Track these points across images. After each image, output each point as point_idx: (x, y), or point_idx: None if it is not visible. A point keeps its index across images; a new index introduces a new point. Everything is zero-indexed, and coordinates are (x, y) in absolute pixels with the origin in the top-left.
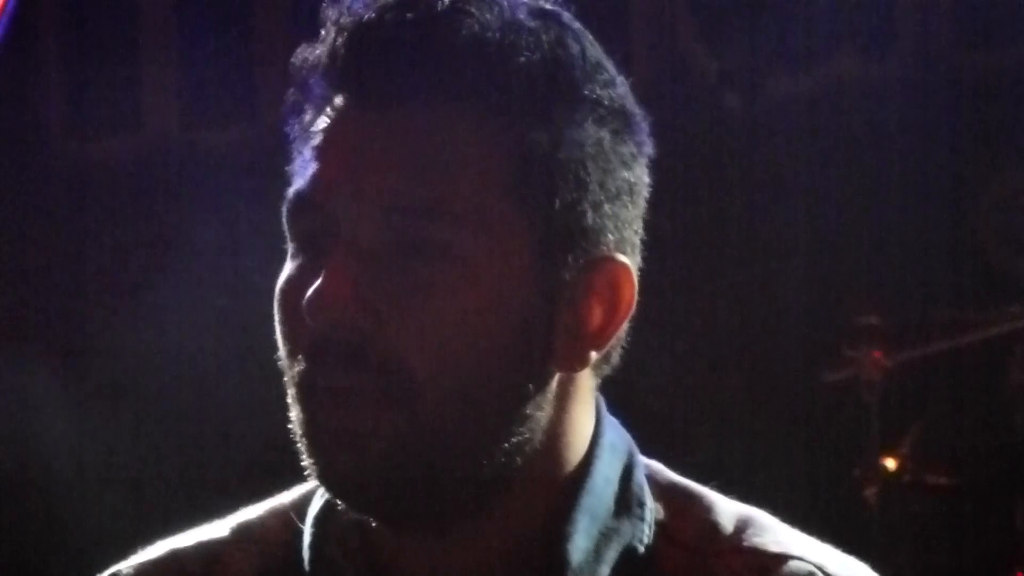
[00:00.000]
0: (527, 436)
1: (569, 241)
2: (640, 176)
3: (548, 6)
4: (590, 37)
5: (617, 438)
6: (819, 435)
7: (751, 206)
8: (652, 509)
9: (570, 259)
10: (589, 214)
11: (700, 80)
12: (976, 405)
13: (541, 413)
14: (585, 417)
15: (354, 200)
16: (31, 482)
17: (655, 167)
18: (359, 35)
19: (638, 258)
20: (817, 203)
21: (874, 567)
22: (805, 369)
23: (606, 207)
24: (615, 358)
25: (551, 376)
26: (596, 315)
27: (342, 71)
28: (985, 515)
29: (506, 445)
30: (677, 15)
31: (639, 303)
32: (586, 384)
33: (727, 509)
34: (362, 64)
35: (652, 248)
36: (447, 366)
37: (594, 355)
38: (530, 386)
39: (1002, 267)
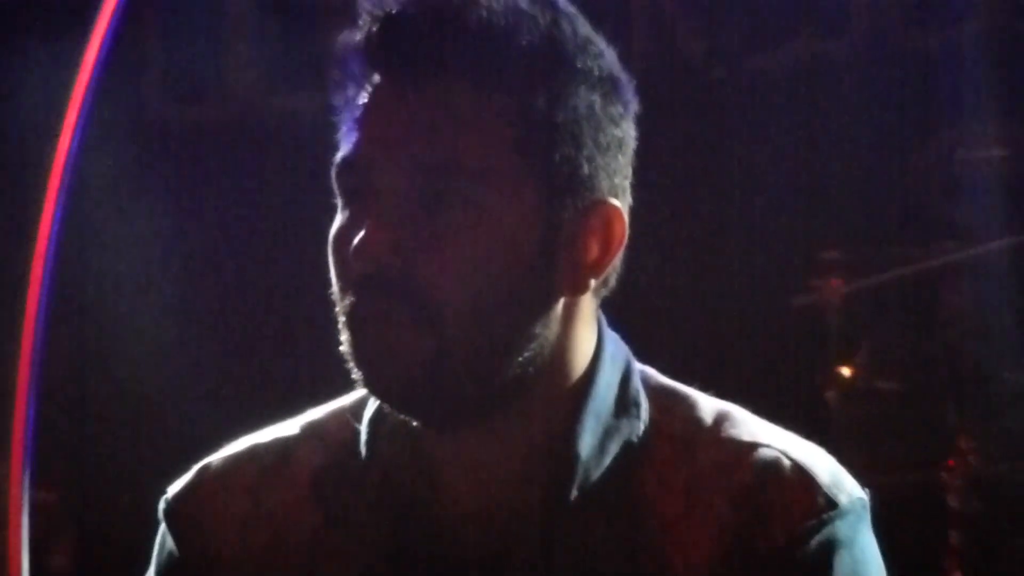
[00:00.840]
0: (538, 349)
1: (568, 188)
2: (627, 131)
3: None
4: (581, 18)
5: (616, 350)
6: (787, 348)
7: (736, 161)
8: (646, 408)
9: (569, 203)
10: (584, 165)
11: (691, 56)
12: (917, 324)
13: (549, 331)
14: (588, 333)
15: (388, 162)
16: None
17: (646, 124)
18: (389, 23)
19: (629, 199)
20: (788, 159)
21: (830, 454)
22: (777, 294)
23: (599, 159)
24: (612, 283)
25: (557, 300)
26: (593, 249)
27: (375, 54)
28: (923, 414)
29: (520, 358)
30: (669, 2)
31: (632, 236)
32: (588, 306)
33: (708, 406)
34: (391, 48)
35: (651, 190)
36: (467, 294)
37: (593, 282)
38: (538, 309)
39: (938, 211)
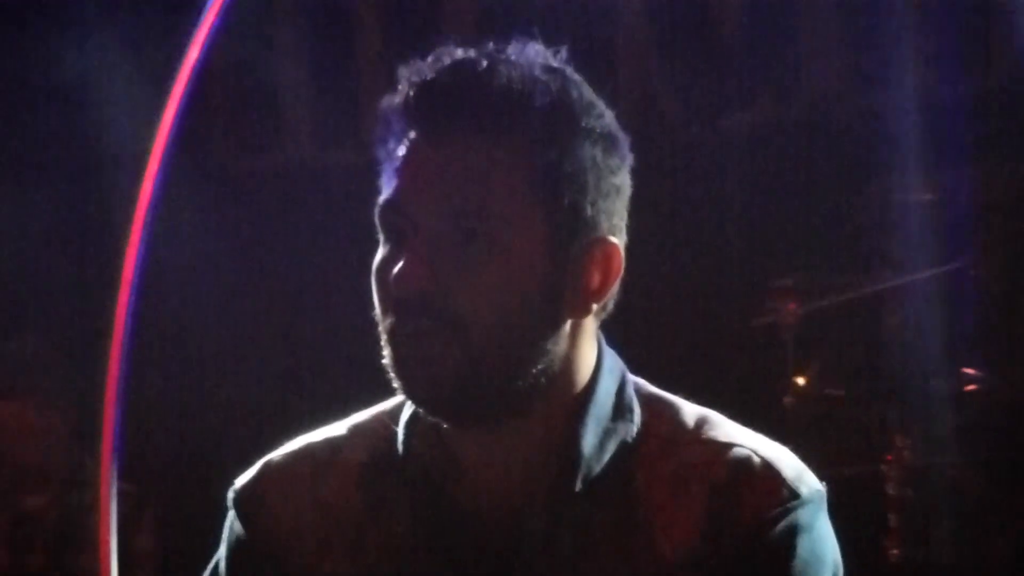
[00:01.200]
0: (549, 362)
1: (574, 228)
2: (624, 180)
3: (555, 64)
4: (585, 84)
5: (613, 363)
6: (750, 362)
7: (710, 204)
8: (638, 413)
9: (575, 240)
10: (588, 208)
11: (670, 115)
12: (860, 340)
13: (558, 347)
14: (590, 349)
15: (423, 205)
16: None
17: (638, 174)
18: (424, 87)
19: (624, 237)
20: (752, 203)
21: (790, 452)
22: (740, 316)
23: (600, 203)
24: (610, 307)
25: (565, 321)
26: (595, 278)
27: (413, 113)
28: (866, 416)
29: (533, 369)
30: (652, 68)
31: (627, 268)
32: (590, 326)
33: (690, 411)
34: (426, 108)
35: (642, 230)
36: (490, 316)
37: (595, 306)
38: (549, 329)
39: (877, 245)
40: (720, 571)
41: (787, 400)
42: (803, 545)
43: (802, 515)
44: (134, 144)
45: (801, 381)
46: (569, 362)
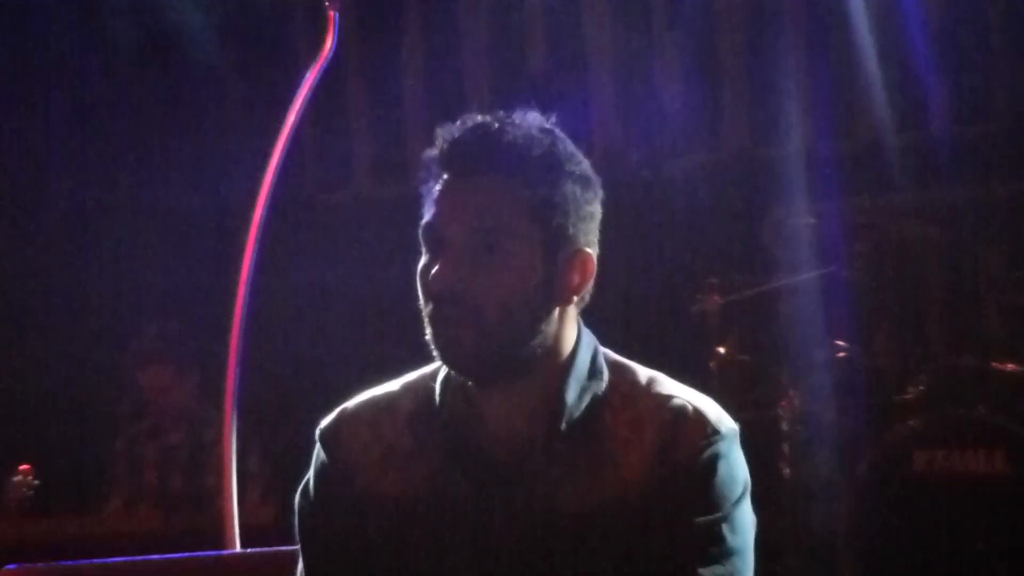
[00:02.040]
0: (542, 339)
1: (560, 242)
2: (596, 208)
3: (547, 126)
4: (568, 140)
5: (589, 339)
6: (686, 337)
7: (656, 225)
8: (606, 375)
9: (561, 251)
10: (570, 228)
11: (629, 162)
12: (763, 321)
13: (549, 328)
14: (572, 329)
15: (452, 226)
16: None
17: (608, 204)
18: (454, 143)
19: (597, 249)
20: (688, 224)
21: (715, 402)
22: (679, 305)
23: (579, 225)
24: (587, 299)
25: (553, 309)
26: (575, 278)
27: (446, 161)
28: (767, 375)
29: (530, 344)
30: (617, 127)
31: (600, 273)
32: (572, 312)
33: (643, 373)
34: (455, 157)
35: (608, 246)
36: (497, 306)
37: (575, 298)
38: (542, 314)
39: (775, 255)
40: (664, 486)
41: (712, 364)
42: (722, 466)
43: (721, 446)
44: (250, 181)
45: (721, 350)
46: (557, 339)
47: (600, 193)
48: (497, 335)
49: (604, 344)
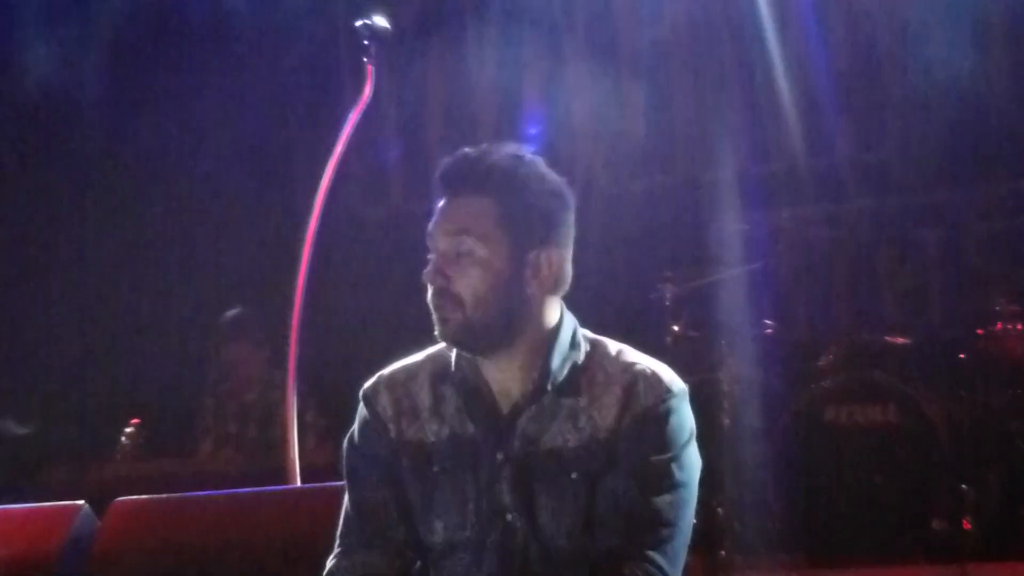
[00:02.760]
0: (519, 319)
1: (526, 243)
2: (563, 215)
3: (519, 152)
4: (539, 163)
5: (570, 319)
6: (647, 318)
7: (623, 232)
8: (584, 347)
9: (529, 250)
10: (536, 232)
11: (600, 180)
12: (708, 306)
13: (525, 310)
14: (554, 311)
15: (439, 235)
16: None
17: (586, 215)
18: (445, 169)
19: (565, 247)
20: (649, 230)
21: (671, 367)
22: (643, 293)
23: (545, 228)
24: (566, 288)
25: (528, 296)
26: (543, 271)
27: (440, 183)
28: (709, 349)
29: (509, 323)
30: (590, 154)
31: (579, 268)
32: (552, 298)
33: (613, 345)
34: (445, 181)
35: (587, 248)
36: (473, 296)
37: (548, 287)
38: (516, 301)
39: (718, 253)
40: (626, 432)
41: (668, 339)
42: (672, 417)
43: (673, 402)
44: (307, 196)
45: (676, 328)
46: (538, 318)
47: (569, 202)
48: (477, 318)
49: (584, 324)
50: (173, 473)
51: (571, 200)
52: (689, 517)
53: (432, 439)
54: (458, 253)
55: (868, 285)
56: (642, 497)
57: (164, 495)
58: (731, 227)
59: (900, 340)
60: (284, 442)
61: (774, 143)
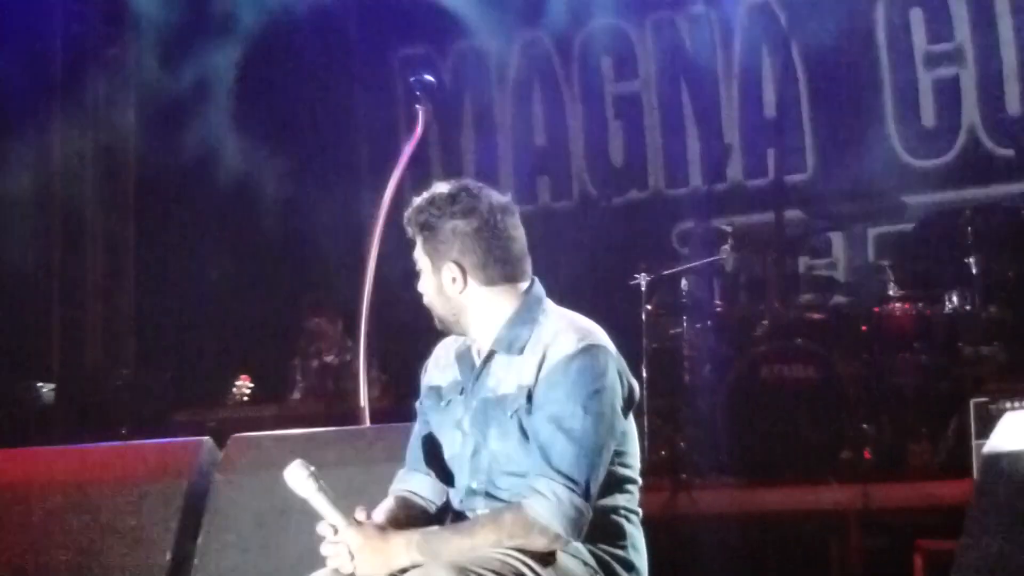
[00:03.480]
0: (466, 311)
1: (438, 260)
2: (467, 225)
3: (465, 184)
4: (467, 195)
5: (528, 299)
6: (626, 299)
7: (607, 237)
8: (541, 318)
9: (443, 266)
10: (442, 249)
11: (593, 196)
12: (674, 290)
13: (472, 303)
14: (499, 298)
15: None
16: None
17: (586, 222)
18: (414, 210)
19: (472, 257)
20: (627, 231)
21: None
22: (623, 280)
23: (451, 244)
24: (498, 280)
25: (465, 294)
26: (452, 279)
27: (410, 220)
28: (675, 321)
29: (460, 316)
30: (584, 176)
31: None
32: (488, 290)
33: (564, 314)
34: (413, 217)
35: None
36: (433, 304)
37: (469, 282)
38: (455, 302)
39: (681, 250)
40: (546, 376)
41: (643, 316)
42: (578, 366)
43: (584, 354)
44: (372, 209)
45: (649, 307)
46: (484, 307)
47: (474, 216)
48: (440, 316)
49: (578, 303)
50: (272, 415)
51: (485, 213)
52: (589, 449)
53: (444, 383)
54: (418, 272)
55: (791, 275)
56: (551, 431)
57: (269, 432)
58: (692, 230)
59: (817, 315)
60: (355, 393)
61: (721, 168)
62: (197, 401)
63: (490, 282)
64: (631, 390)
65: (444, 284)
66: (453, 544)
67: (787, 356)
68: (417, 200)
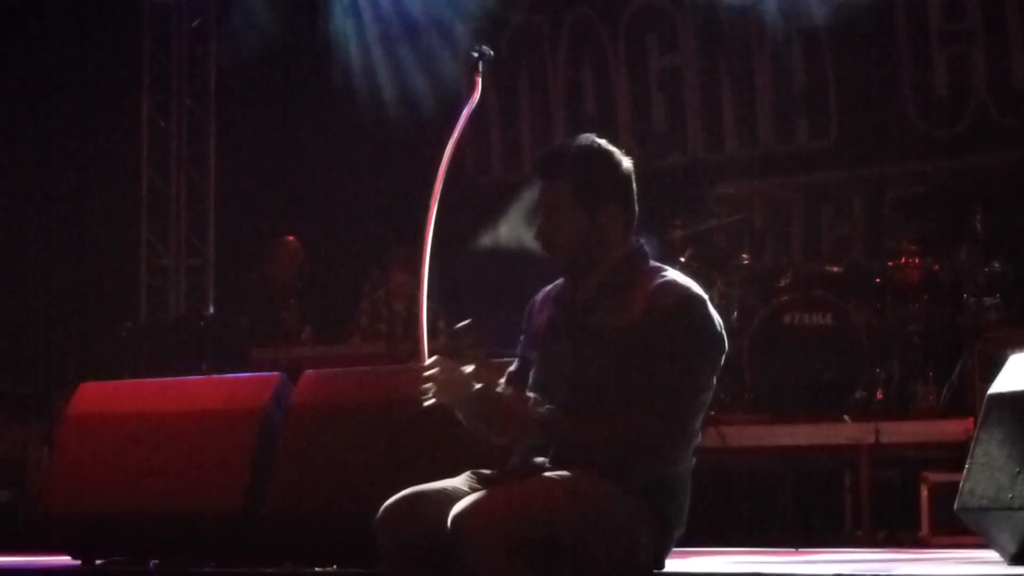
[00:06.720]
0: (588, 250)
1: (595, 203)
2: (612, 175)
3: (594, 139)
4: (600, 147)
5: (637, 248)
6: (664, 251)
7: (650, 198)
8: (640, 269)
9: (597, 210)
10: (598, 193)
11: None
12: (705, 244)
13: (598, 237)
14: (620, 243)
15: (539, 206)
16: None
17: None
18: (540, 159)
19: (621, 201)
20: (669, 195)
21: None
22: (661, 234)
23: (604, 189)
24: (632, 223)
25: (599, 237)
26: (616, 216)
27: (537, 169)
28: (707, 272)
29: (581, 255)
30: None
31: None
32: (617, 237)
33: (660, 269)
34: (541, 167)
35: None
36: (555, 243)
37: (619, 224)
38: (590, 240)
39: (711, 209)
40: (652, 319)
41: (676, 267)
42: (681, 315)
43: (689, 303)
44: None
45: (682, 259)
46: (604, 249)
47: (617, 164)
48: (563, 253)
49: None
50: (338, 355)
51: (626, 164)
52: (686, 391)
53: (545, 324)
54: (548, 217)
55: (814, 231)
56: (656, 368)
57: (336, 369)
58: (721, 191)
59: (835, 268)
60: (418, 335)
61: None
62: (272, 341)
63: (627, 226)
64: (724, 343)
65: (596, 223)
66: (568, 424)
67: (807, 305)
68: (567, 146)
